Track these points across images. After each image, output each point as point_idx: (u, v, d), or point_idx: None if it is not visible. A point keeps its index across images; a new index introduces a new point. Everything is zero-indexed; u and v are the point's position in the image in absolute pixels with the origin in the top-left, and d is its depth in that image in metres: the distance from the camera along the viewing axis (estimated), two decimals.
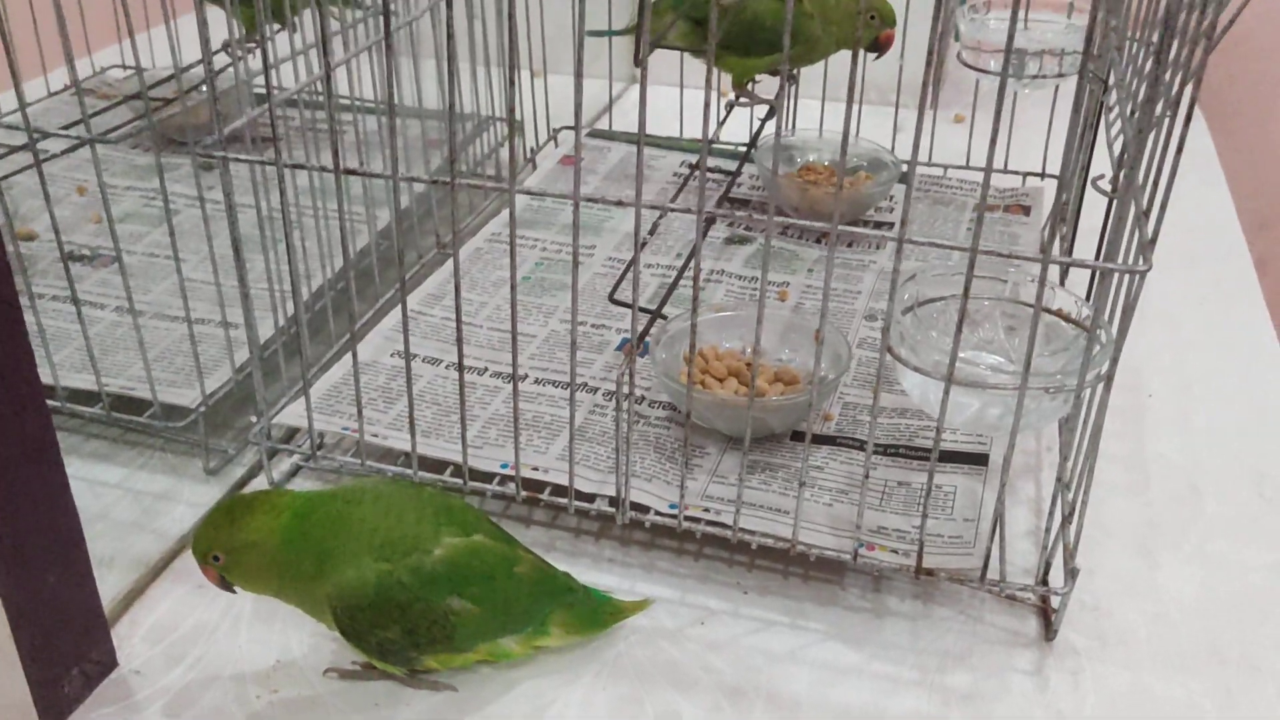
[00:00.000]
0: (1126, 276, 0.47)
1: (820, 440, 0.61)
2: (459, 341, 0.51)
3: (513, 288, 0.48)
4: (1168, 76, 0.46)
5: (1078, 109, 0.74)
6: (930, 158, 0.92)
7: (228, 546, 0.45)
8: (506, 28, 0.46)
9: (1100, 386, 0.49)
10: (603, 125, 1.01)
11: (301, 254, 0.70)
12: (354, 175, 0.50)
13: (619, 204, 0.48)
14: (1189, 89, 0.45)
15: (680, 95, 0.91)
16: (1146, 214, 0.47)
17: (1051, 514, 0.51)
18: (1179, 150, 0.45)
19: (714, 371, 0.62)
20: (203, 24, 0.49)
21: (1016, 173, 0.89)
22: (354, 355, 0.54)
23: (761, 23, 0.77)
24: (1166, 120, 0.47)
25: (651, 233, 0.72)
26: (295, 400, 0.62)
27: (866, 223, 0.83)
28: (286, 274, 0.67)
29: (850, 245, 0.81)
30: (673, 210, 0.49)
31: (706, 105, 0.46)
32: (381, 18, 0.44)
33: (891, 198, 0.87)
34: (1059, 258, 0.44)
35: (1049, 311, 0.54)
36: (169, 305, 0.71)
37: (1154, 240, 0.46)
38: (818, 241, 0.81)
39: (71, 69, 0.54)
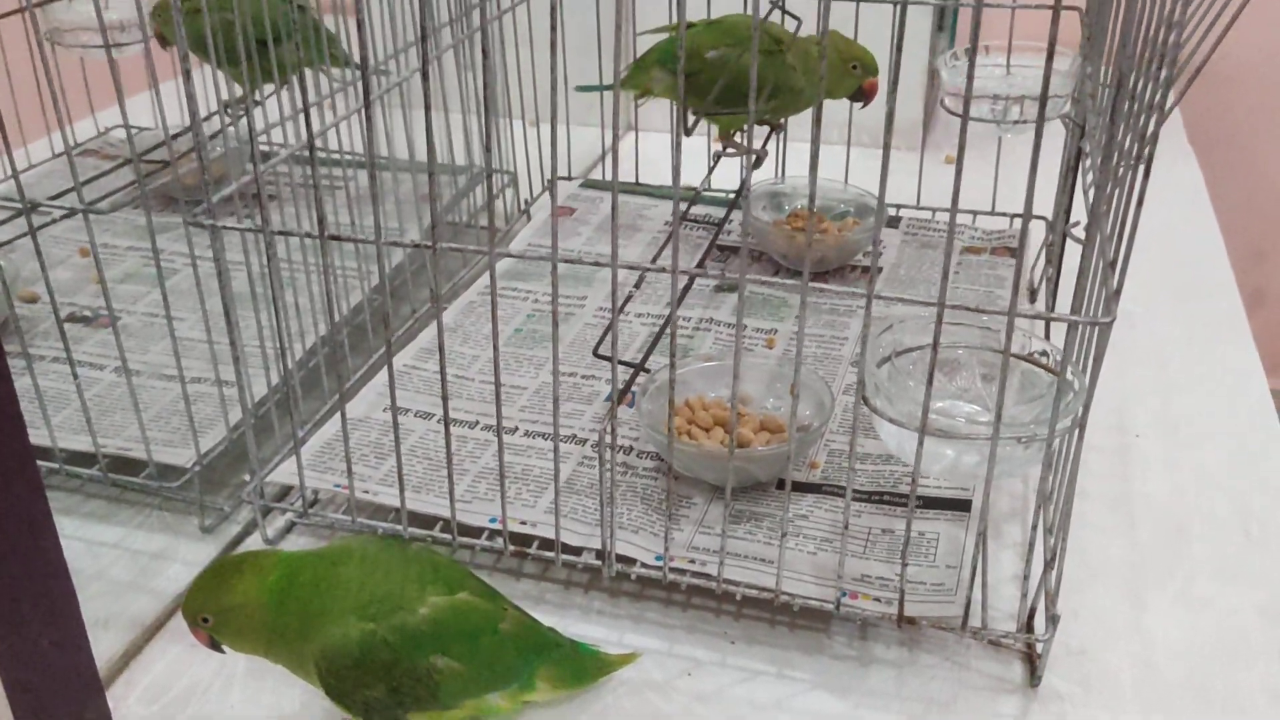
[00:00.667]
0: (1095, 327, 0.48)
1: (806, 488, 0.62)
2: (444, 400, 0.52)
3: (495, 349, 0.49)
4: (1123, 135, 0.47)
5: (1036, 149, 0.75)
6: (919, 200, 0.93)
7: (216, 609, 0.46)
8: (485, 89, 0.47)
9: (1073, 434, 0.49)
10: (600, 171, 1.02)
11: (294, 311, 0.71)
12: (338, 241, 0.51)
13: (595, 264, 0.49)
14: (1151, 143, 0.46)
15: (674, 141, 0.93)
16: (1113, 265, 0.48)
17: (1029, 561, 0.51)
18: (1139, 204, 0.46)
19: (700, 422, 0.63)
20: (190, 97, 0.50)
21: (1004, 214, 0.90)
22: (343, 415, 0.55)
23: (746, 75, 0.78)
24: (1129, 175, 0.48)
25: (638, 285, 0.73)
26: (288, 459, 0.63)
27: (854, 268, 0.84)
28: (280, 331, 0.69)
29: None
30: (650, 270, 0.50)
31: (676, 171, 0.47)
32: (370, 80, 0.46)
33: (881, 242, 0.88)
34: (1023, 312, 0.45)
35: (1024, 359, 0.55)
36: (167, 365, 0.73)
37: (1118, 292, 0.46)
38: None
39: (64, 135, 0.56)
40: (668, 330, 0.69)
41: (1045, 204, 0.88)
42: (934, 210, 0.92)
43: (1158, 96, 0.43)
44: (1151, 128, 0.45)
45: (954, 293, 0.82)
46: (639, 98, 0.87)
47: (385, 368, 0.72)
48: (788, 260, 0.84)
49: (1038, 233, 0.90)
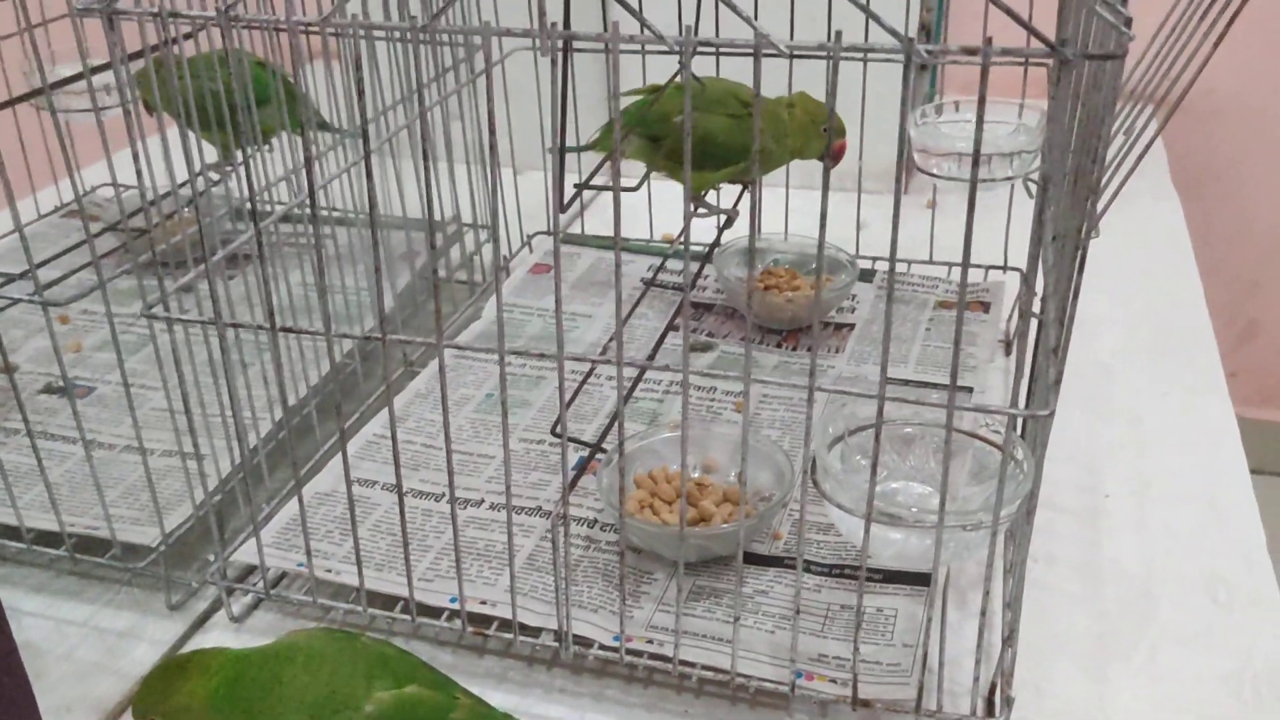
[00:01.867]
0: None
1: (767, 561, 0.62)
2: (399, 491, 0.53)
3: (447, 440, 0.50)
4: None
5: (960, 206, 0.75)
6: (893, 252, 0.93)
7: (162, 710, 0.46)
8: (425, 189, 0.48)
9: (1023, 517, 0.49)
10: (578, 226, 1.03)
11: (262, 382, 0.72)
12: (290, 333, 0.52)
13: (541, 356, 0.49)
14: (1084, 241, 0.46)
15: (648, 195, 0.93)
16: (1055, 351, 0.48)
17: (980, 645, 0.51)
18: (1074, 298, 0.46)
19: (662, 494, 0.63)
20: (187, 158, 0.51)
21: (979, 265, 0.90)
22: (300, 501, 0.56)
23: (713, 138, 0.79)
24: (1071, 261, 0.48)
25: (604, 351, 0.73)
26: (251, 538, 0.63)
27: (827, 325, 0.84)
28: (249, 402, 0.69)
29: (809, 349, 0.82)
30: (597, 361, 0.50)
31: (617, 272, 0.47)
32: (369, 145, 0.46)
33: (854, 297, 0.88)
34: (962, 405, 0.45)
35: (975, 437, 0.55)
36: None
37: (1058, 382, 0.46)
38: (778, 347, 0.82)
39: (12, 212, 0.56)
40: (635, 395, 0.70)
41: (1021, 254, 0.88)
42: (910, 262, 0.92)
43: (1089, 204, 0.43)
44: (1089, 217, 0.45)
45: (925, 350, 0.82)
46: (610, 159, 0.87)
47: (352, 439, 0.73)
48: (759, 319, 0.84)
49: (1013, 284, 0.90)
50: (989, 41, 0.39)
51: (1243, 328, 1.58)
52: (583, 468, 0.63)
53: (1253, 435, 1.57)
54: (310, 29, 0.44)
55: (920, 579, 0.60)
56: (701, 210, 0.85)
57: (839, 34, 0.40)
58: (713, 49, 0.42)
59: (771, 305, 0.82)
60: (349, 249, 0.88)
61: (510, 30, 0.42)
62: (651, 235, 0.97)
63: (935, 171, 0.83)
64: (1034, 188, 0.75)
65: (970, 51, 0.39)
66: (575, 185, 0.70)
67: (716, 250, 0.87)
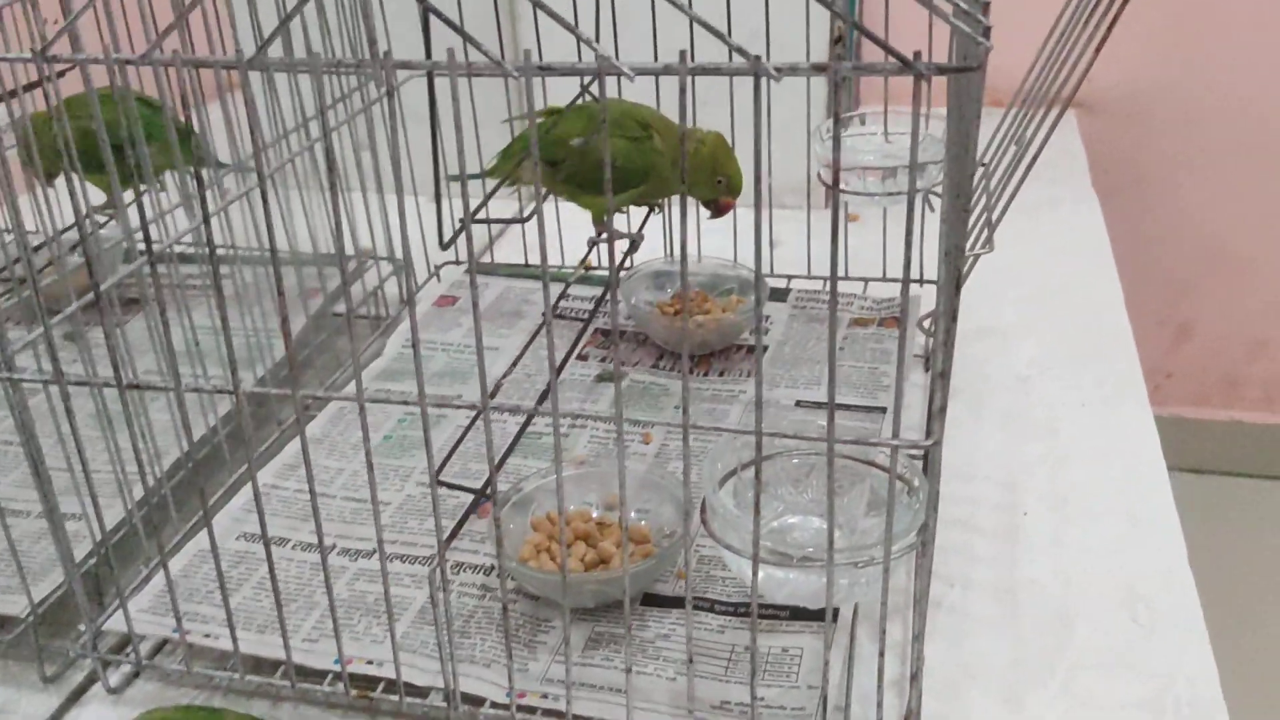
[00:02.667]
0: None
1: (670, 603, 0.59)
2: (266, 544, 0.49)
3: (318, 528, 0.47)
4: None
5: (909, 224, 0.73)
6: (810, 269, 0.91)
7: None
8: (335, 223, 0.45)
9: (921, 549, 0.47)
10: (489, 256, 1.00)
11: (148, 435, 0.68)
12: (138, 390, 0.49)
13: (404, 403, 0.46)
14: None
15: (557, 221, 0.91)
16: (942, 375, 0.46)
17: (880, 686, 0.49)
18: (952, 318, 0.44)
19: (559, 537, 0.61)
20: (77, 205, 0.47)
21: (894, 280, 0.89)
22: (166, 571, 0.53)
23: (611, 161, 0.76)
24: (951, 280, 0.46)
25: (505, 376, 0.70)
26: (127, 602, 0.60)
27: (739, 348, 0.82)
28: (132, 456, 0.66)
29: (722, 374, 0.80)
30: (457, 405, 0.48)
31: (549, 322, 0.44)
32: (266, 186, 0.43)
33: (768, 318, 0.86)
34: (841, 439, 0.43)
35: (874, 465, 0.53)
36: (14, 499, 0.69)
37: (943, 409, 0.44)
38: (690, 372, 0.80)
39: None
40: (523, 438, 0.67)
41: (935, 266, 0.87)
42: (825, 279, 0.90)
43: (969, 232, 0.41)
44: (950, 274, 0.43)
45: (840, 372, 0.80)
46: (508, 184, 0.85)
47: (241, 489, 0.70)
48: (670, 345, 0.82)
49: (929, 298, 0.88)
50: (839, 58, 0.36)
51: (1176, 329, 1.58)
52: (466, 513, 0.60)
53: (1188, 435, 1.58)
54: (130, 62, 0.41)
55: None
56: (605, 235, 0.83)
57: (682, 53, 0.38)
58: (554, 73, 0.40)
59: (680, 330, 0.80)
60: (241, 288, 0.84)
61: (341, 63, 0.40)
62: (563, 260, 0.95)
63: (843, 186, 0.81)
64: (936, 201, 0.74)
65: (819, 69, 0.37)
66: (460, 220, 0.67)
67: (624, 275, 0.84)
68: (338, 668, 0.55)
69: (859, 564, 0.46)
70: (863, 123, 0.85)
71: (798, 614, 0.57)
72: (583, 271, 0.87)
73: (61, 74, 0.67)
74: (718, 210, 0.79)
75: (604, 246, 0.84)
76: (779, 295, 0.89)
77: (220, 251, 0.82)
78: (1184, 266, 1.55)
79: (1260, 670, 1.29)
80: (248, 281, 0.83)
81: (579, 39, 0.37)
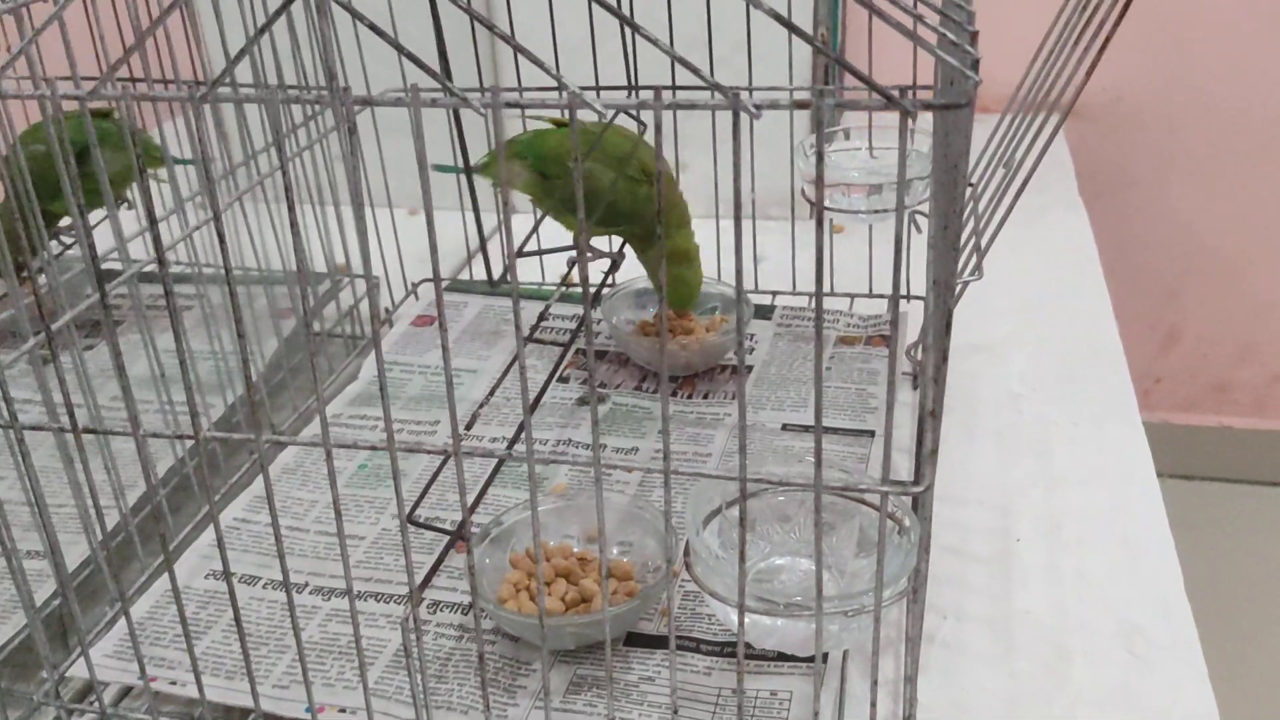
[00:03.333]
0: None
1: (655, 643, 0.57)
2: (230, 587, 0.47)
3: (282, 563, 0.45)
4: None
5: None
6: (794, 284, 0.89)
7: None
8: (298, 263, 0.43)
9: (912, 595, 0.45)
10: (467, 272, 0.98)
11: (113, 468, 0.66)
12: (93, 434, 0.46)
13: (373, 448, 0.44)
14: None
15: (536, 234, 0.88)
16: (933, 414, 0.44)
17: None
18: (943, 358, 0.42)
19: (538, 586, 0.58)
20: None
21: (881, 296, 0.87)
22: (127, 617, 0.50)
23: (600, 195, 0.74)
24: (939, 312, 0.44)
25: (490, 397, 0.68)
26: (91, 647, 0.57)
27: (723, 368, 0.80)
28: (100, 487, 0.64)
29: (706, 396, 0.78)
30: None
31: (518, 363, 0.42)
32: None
33: (752, 336, 0.84)
34: (829, 485, 0.41)
35: (863, 504, 0.51)
36: None
37: (935, 451, 0.42)
38: (673, 395, 0.78)
39: None
40: (503, 470, 0.65)
41: (923, 282, 0.85)
42: (809, 296, 0.88)
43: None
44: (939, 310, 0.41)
45: (827, 394, 0.78)
46: (498, 186, 0.83)
47: (208, 528, 0.67)
48: (652, 365, 0.80)
49: (916, 315, 0.87)
50: (821, 94, 0.34)
51: (1165, 334, 1.57)
52: (445, 551, 0.58)
53: (1178, 442, 1.56)
54: (78, 97, 0.39)
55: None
56: (587, 254, 0.81)
57: (657, 90, 0.36)
58: (522, 106, 0.38)
59: (667, 355, 0.78)
60: (203, 309, 0.82)
61: (300, 98, 0.38)
62: (544, 277, 0.93)
63: (828, 203, 0.79)
64: (923, 220, 0.72)
65: (802, 106, 0.35)
66: (569, 260, 0.66)
67: (604, 294, 0.82)
68: (309, 716, 0.53)
69: (849, 612, 0.44)
70: (847, 137, 0.83)
71: (785, 655, 0.55)
72: (562, 290, 0.85)
73: None
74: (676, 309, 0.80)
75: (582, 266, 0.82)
76: (763, 313, 0.87)
77: (185, 270, 0.80)
78: (1171, 270, 1.54)
79: (1255, 690, 1.28)
80: (215, 302, 0.81)
81: (551, 75, 0.35)
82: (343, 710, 0.54)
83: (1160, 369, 1.59)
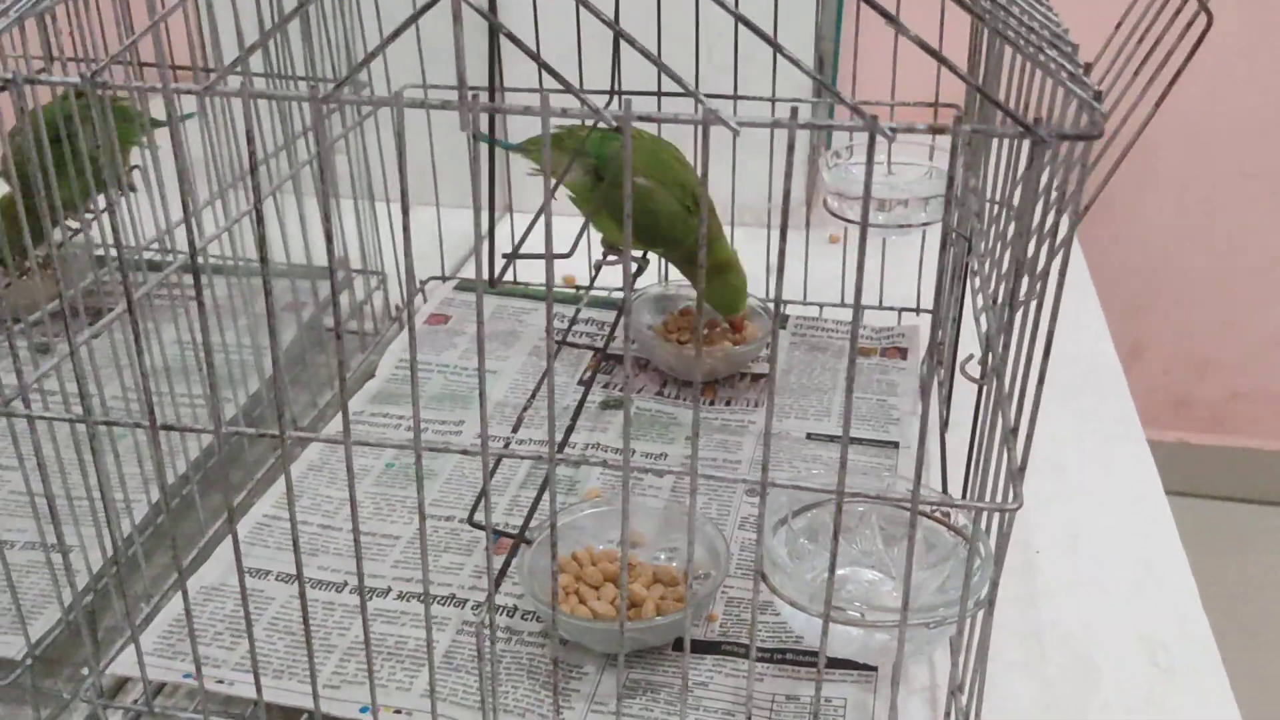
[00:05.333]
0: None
1: (703, 648, 0.58)
2: (300, 581, 0.47)
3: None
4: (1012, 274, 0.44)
5: (943, 263, 0.73)
6: (805, 294, 0.90)
7: None
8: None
9: (982, 612, 0.46)
10: (473, 268, 0.97)
11: (134, 460, 0.65)
12: (108, 425, 0.46)
13: (464, 452, 0.44)
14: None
15: (547, 229, 0.88)
16: (1014, 432, 0.45)
17: None
18: (1040, 381, 0.43)
19: (588, 579, 0.59)
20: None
21: (892, 308, 0.88)
22: (185, 596, 0.50)
23: (655, 216, 0.74)
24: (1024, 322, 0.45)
25: (515, 429, 0.68)
26: (129, 645, 0.56)
27: (745, 376, 0.81)
28: (121, 482, 0.62)
29: (729, 403, 0.79)
30: (520, 456, 0.46)
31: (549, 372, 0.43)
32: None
33: (769, 346, 0.85)
34: (928, 498, 0.42)
35: (925, 516, 0.52)
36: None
37: (1023, 468, 0.44)
38: None
39: None
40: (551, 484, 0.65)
41: (932, 296, 0.87)
42: (821, 306, 0.89)
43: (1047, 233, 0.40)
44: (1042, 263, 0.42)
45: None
46: (537, 171, 0.82)
47: (239, 521, 0.67)
48: (674, 371, 0.80)
49: (927, 326, 0.88)
50: (959, 120, 0.35)
51: (1128, 350, 1.62)
52: (509, 560, 0.58)
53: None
54: (192, 92, 0.39)
55: (868, 665, 0.56)
56: (611, 259, 0.81)
57: (794, 109, 0.36)
58: (654, 120, 0.38)
59: (689, 358, 0.78)
60: (228, 301, 0.81)
61: (428, 102, 0.38)
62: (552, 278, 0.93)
63: (850, 216, 0.81)
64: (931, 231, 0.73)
65: (938, 130, 0.36)
66: (504, 255, 0.66)
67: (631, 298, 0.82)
68: (364, 716, 0.53)
69: (931, 625, 0.45)
70: (852, 153, 0.85)
71: (838, 662, 0.56)
72: (579, 292, 0.85)
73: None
74: (734, 325, 0.80)
75: (608, 269, 0.82)
76: (779, 322, 0.88)
77: (218, 262, 0.78)
78: (1138, 288, 1.59)
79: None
80: (226, 295, 0.80)
81: (686, 89, 0.36)
82: (398, 711, 0.54)
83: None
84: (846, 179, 0.81)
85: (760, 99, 0.85)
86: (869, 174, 0.36)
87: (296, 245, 0.79)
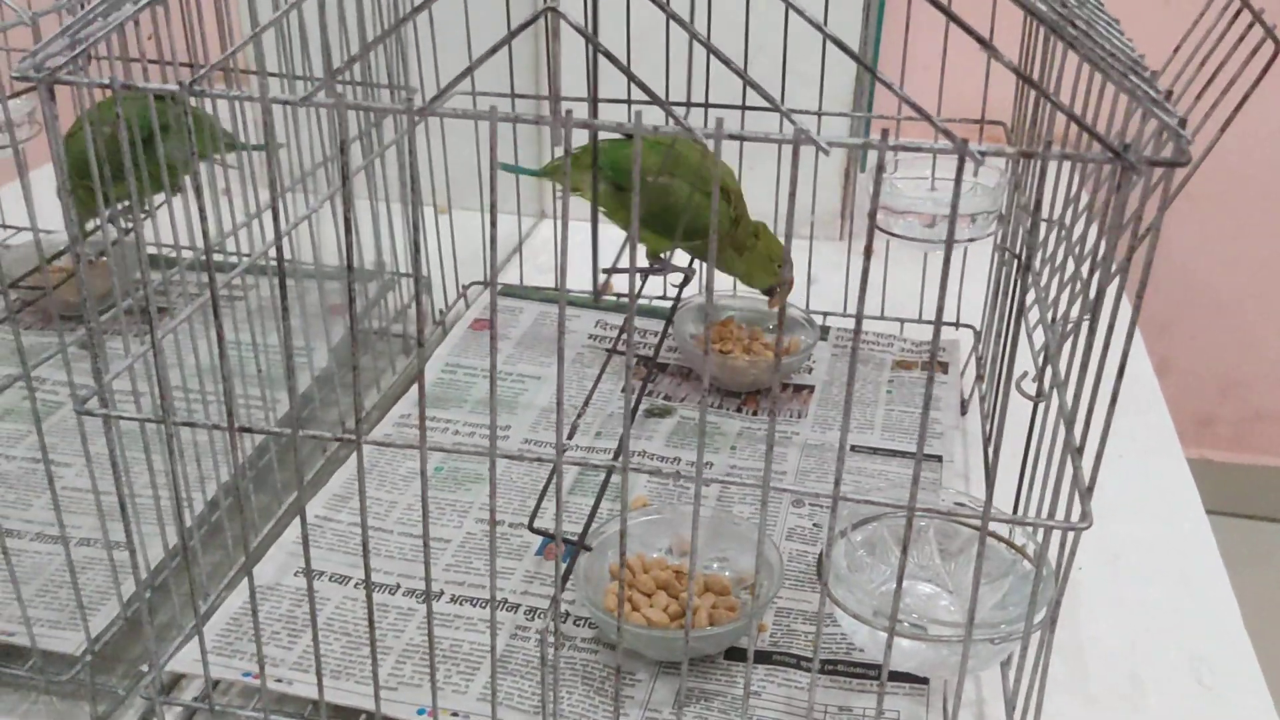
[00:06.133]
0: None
1: (755, 658, 0.58)
2: (368, 582, 0.48)
3: (367, 574, 0.45)
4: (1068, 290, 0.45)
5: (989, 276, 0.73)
6: (845, 306, 0.91)
7: None
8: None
9: (1045, 630, 0.47)
10: (516, 273, 0.98)
11: (192, 453, 0.65)
12: (187, 427, 0.47)
13: (476, 452, 0.45)
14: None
15: (594, 236, 0.89)
16: (1080, 450, 0.46)
17: None
18: (1112, 402, 0.43)
19: (641, 586, 0.59)
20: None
21: (931, 322, 0.89)
22: (251, 589, 0.50)
23: (686, 212, 0.75)
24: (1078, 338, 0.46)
25: (585, 407, 0.69)
26: (189, 641, 0.57)
27: (786, 387, 0.82)
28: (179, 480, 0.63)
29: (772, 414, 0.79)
30: (594, 466, 0.46)
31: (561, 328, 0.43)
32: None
33: (812, 358, 0.85)
34: (997, 516, 0.42)
35: (993, 536, 0.53)
36: (51, 524, 0.66)
37: (1091, 488, 0.44)
38: (738, 411, 0.79)
39: None
40: (607, 488, 0.65)
41: (973, 310, 0.87)
42: (859, 318, 0.90)
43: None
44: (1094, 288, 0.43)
45: (889, 415, 0.79)
46: (561, 189, 0.83)
47: (291, 522, 0.67)
48: (717, 381, 0.81)
49: (966, 340, 0.89)
50: (1048, 145, 0.36)
51: (1154, 366, 1.62)
52: (570, 568, 0.58)
53: None
54: (290, 102, 0.39)
55: (920, 678, 0.57)
56: (656, 267, 0.82)
57: (885, 132, 0.37)
58: (742, 139, 0.39)
59: (733, 368, 0.79)
60: (273, 301, 0.81)
61: (521, 116, 0.38)
62: (595, 285, 0.93)
63: (896, 231, 0.81)
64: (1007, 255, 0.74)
65: (1028, 155, 0.36)
66: (604, 270, 0.67)
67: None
68: (423, 718, 0.54)
69: (995, 640, 0.46)
70: (912, 164, 0.85)
71: (891, 674, 0.57)
72: (614, 299, 0.86)
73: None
74: (783, 289, 0.80)
75: (646, 279, 0.83)
76: (820, 335, 0.88)
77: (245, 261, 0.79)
78: (1164, 305, 1.59)
79: None
80: (264, 294, 0.80)
81: (772, 103, 0.36)
82: (455, 714, 0.54)
83: None
84: (891, 193, 0.81)
85: (807, 112, 0.86)
86: (956, 194, 0.37)
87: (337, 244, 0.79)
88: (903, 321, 0.90)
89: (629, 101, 0.61)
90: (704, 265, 0.88)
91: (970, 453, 0.78)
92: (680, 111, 0.39)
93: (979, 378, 0.82)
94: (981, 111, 0.83)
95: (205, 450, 0.66)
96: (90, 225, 0.71)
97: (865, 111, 1.06)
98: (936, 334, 0.40)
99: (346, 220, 0.41)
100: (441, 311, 0.92)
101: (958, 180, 0.37)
